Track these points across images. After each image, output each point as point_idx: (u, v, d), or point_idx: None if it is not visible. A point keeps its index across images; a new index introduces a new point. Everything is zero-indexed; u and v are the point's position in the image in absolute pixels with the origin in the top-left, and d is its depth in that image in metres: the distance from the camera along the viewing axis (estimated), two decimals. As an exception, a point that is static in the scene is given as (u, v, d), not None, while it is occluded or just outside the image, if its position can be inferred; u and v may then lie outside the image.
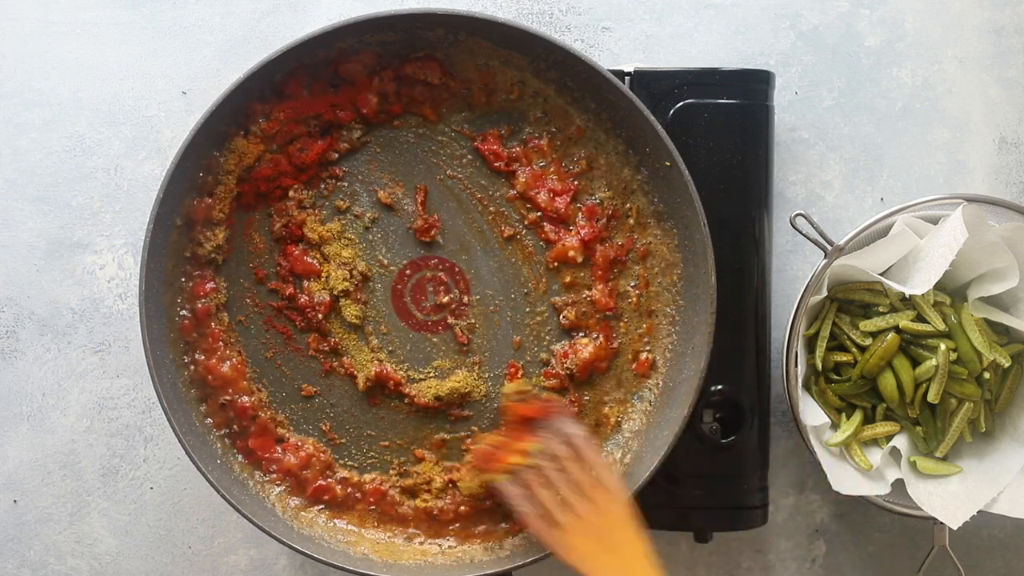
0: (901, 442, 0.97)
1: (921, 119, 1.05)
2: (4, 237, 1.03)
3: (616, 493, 0.88)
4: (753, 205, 0.97)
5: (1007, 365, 0.95)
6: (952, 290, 0.98)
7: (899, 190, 1.05)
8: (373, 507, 0.97)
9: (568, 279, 0.98)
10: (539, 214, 0.98)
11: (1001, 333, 0.98)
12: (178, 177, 0.91)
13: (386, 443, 0.98)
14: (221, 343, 0.95)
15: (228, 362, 0.95)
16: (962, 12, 1.05)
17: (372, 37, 0.94)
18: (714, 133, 0.96)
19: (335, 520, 0.96)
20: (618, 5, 1.04)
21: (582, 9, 1.04)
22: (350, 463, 0.97)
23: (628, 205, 0.98)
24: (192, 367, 0.94)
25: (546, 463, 0.89)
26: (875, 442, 0.98)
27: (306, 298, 0.96)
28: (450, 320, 0.98)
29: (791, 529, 1.05)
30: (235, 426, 0.96)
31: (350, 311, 0.96)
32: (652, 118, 0.91)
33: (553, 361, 0.98)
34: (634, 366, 0.98)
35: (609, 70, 0.92)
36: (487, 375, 0.98)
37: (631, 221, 0.98)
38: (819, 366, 0.97)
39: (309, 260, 0.96)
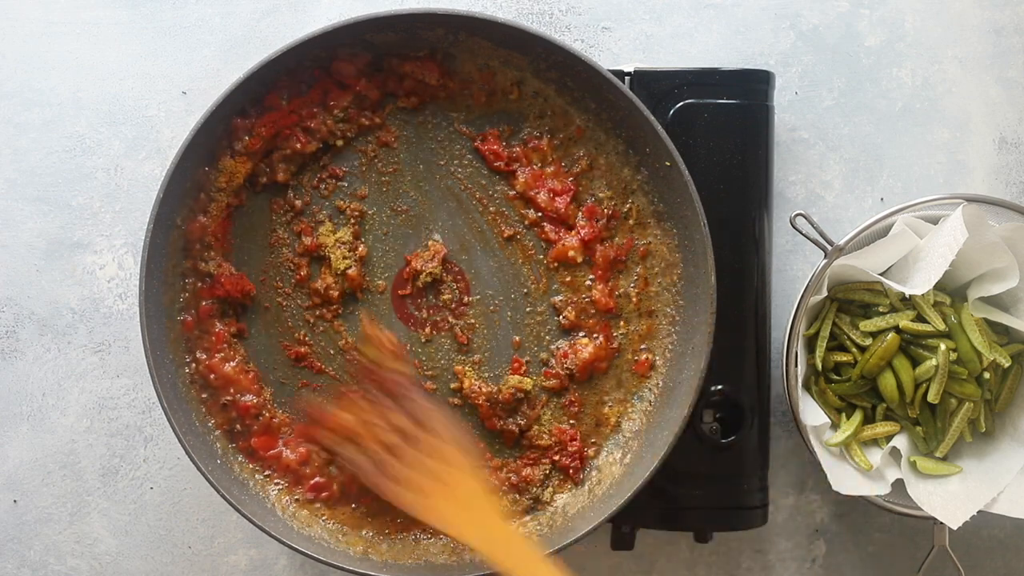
0: (901, 442, 0.97)
1: (921, 119, 1.05)
2: (4, 237, 1.03)
3: (466, 461, 0.88)
4: (753, 205, 0.97)
5: (1007, 365, 0.95)
6: (952, 290, 0.98)
7: (899, 190, 1.05)
8: (369, 506, 0.97)
9: (568, 279, 0.98)
10: (539, 214, 0.98)
11: (1001, 333, 0.98)
12: (178, 177, 0.91)
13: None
14: (225, 344, 0.95)
15: (230, 363, 0.95)
16: (962, 12, 1.05)
17: (375, 37, 0.94)
18: (714, 133, 0.96)
19: (335, 520, 0.96)
20: (618, 5, 1.04)
21: (582, 9, 1.04)
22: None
23: (628, 205, 0.98)
24: (193, 365, 0.94)
25: (393, 434, 0.89)
26: (875, 442, 0.98)
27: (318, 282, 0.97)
28: (450, 320, 0.98)
29: (791, 529, 1.05)
30: (237, 426, 0.96)
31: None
32: (652, 118, 0.91)
33: (553, 361, 0.98)
34: (634, 366, 0.98)
35: (609, 70, 0.92)
36: (487, 375, 0.98)
37: (631, 221, 0.98)
38: (819, 366, 0.97)
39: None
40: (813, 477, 1.05)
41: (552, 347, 0.98)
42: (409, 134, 0.98)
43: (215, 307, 0.95)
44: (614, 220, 0.98)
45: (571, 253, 0.97)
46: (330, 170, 0.97)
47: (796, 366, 0.95)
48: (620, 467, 0.97)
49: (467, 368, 0.97)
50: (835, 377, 0.98)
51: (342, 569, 0.92)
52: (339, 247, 0.96)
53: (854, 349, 0.96)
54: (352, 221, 0.97)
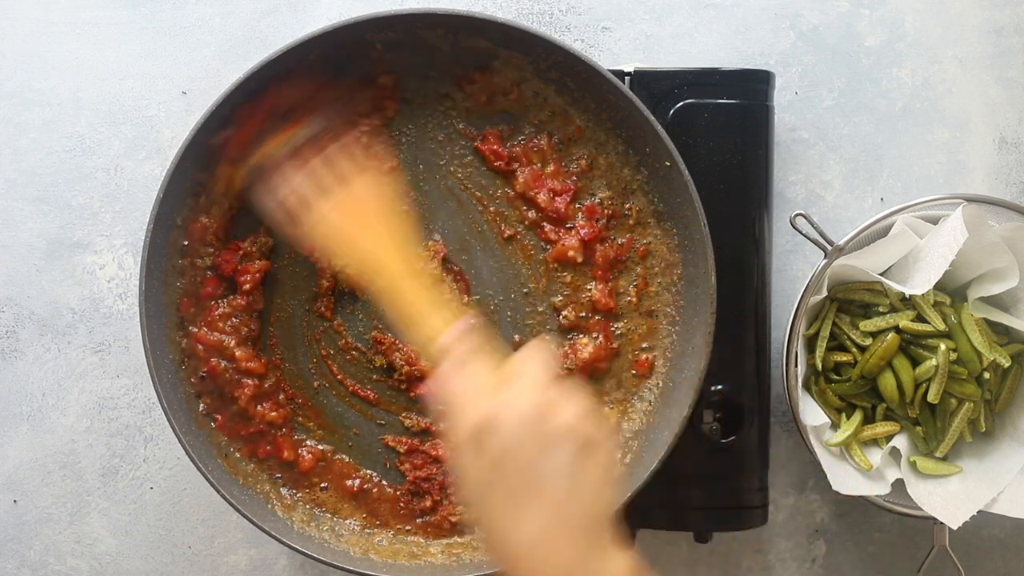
0: (901, 442, 0.97)
1: (921, 119, 1.05)
2: (4, 237, 1.03)
3: (369, 184, 0.88)
4: (753, 205, 0.97)
5: (1007, 365, 0.95)
6: (952, 290, 0.98)
7: (899, 190, 1.05)
8: (365, 500, 0.97)
9: (568, 279, 0.98)
10: (539, 214, 0.98)
11: (1001, 333, 0.98)
12: (178, 177, 0.91)
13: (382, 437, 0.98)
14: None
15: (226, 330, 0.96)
16: (962, 12, 1.05)
17: (376, 36, 0.94)
18: (714, 133, 0.96)
19: (335, 520, 0.96)
20: (618, 5, 1.04)
21: (582, 9, 1.04)
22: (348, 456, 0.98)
23: (628, 205, 0.98)
24: (187, 343, 0.95)
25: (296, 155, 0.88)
26: (875, 442, 0.98)
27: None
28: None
29: (791, 529, 1.05)
30: (240, 429, 0.96)
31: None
32: (652, 118, 0.91)
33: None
34: (634, 366, 0.98)
35: (609, 70, 0.92)
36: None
37: (631, 221, 0.98)
38: (819, 366, 0.97)
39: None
40: (813, 477, 1.05)
41: (552, 347, 0.98)
42: (409, 134, 0.98)
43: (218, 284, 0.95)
44: (614, 220, 0.98)
45: (571, 253, 0.97)
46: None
47: (796, 366, 0.95)
48: (620, 467, 0.97)
49: None
50: (835, 377, 0.98)
51: (342, 569, 0.92)
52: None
53: (854, 349, 0.96)
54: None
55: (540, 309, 0.98)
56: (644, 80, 0.97)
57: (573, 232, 0.97)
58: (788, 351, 0.95)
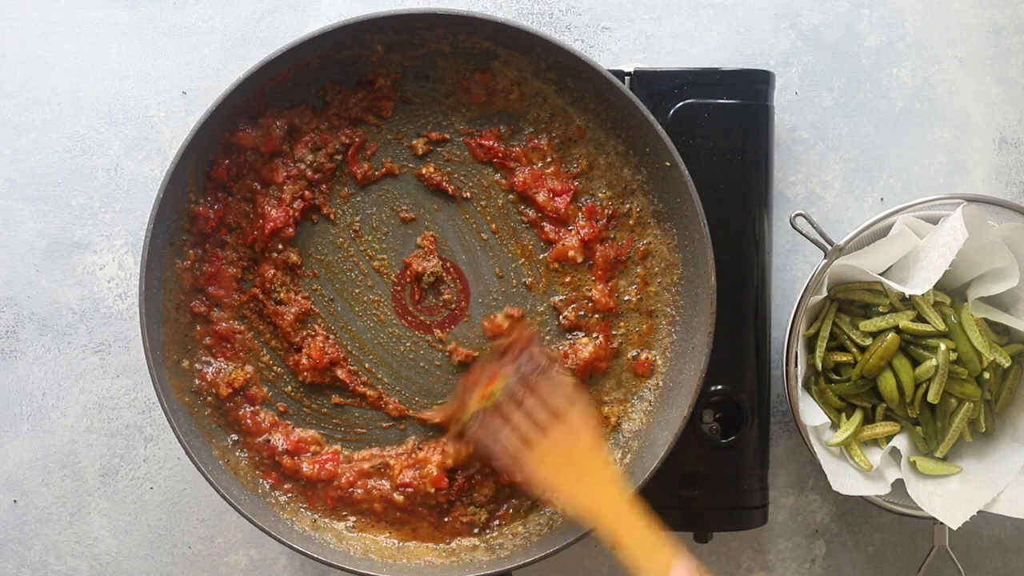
0: (901, 442, 0.97)
1: (921, 119, 1.05)
2: (4, 237, 1.03)
3: (582, 419, 0.89)
4: (753, 205, 0.97)
5: (1007, 365, 0.95)
6: (952, 290, 0.98)
7: (899, 190, 1.05)
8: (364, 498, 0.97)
9: (568, 279, 0.98)
10: (539, 214, 0.98)
11: (1001, 333, 0.98)
12: (178, 177, 0.91)
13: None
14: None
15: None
16: (962, 12, 1.05)
17: (376, 36, 0.94)
18: (714, 133, 0.96)
19: (335, 520, 0.96)
20: (618, 5, 1.04)
21: (582, 9, 1.04)
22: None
23: (628, 205, 0.98)
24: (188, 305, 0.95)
25: (510, 398, 0.89)
26: (875, 442, 0.98)
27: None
28: (449, 320, 0.98)
29: (791, 529, 1.05)
30: (238, 428, 0.96)
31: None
32: (652, 118, 0.91)
33: (553, 361, 0.98)
34: (634, 366, 0.98)
35: (609, 70, 0.92)
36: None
37: (631, 221, 0.98)
38: (819, 366, 0.97)
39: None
40: (813, 477, 1.05)
41: (552, 347, 0.98)
42: (409, 134, 0.98)
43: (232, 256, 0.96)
44: (614, 220, 0.98)
45: (571, 253, 0.97)
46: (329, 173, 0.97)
47: (796, 366, 0.95)
48: (620, 467, 0.97)
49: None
50: (835, 377, 0.98)
51: (342, 569, 0.92)
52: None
53: (854, 349, 0.96)
54: (356, 223, 0.97)
55: (540, 309, 0.98)
56: (644, 80, 0.97)
57: (573, 232, 0.97)
58: (788, 351, 0.95)
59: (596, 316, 0.98)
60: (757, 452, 0.98)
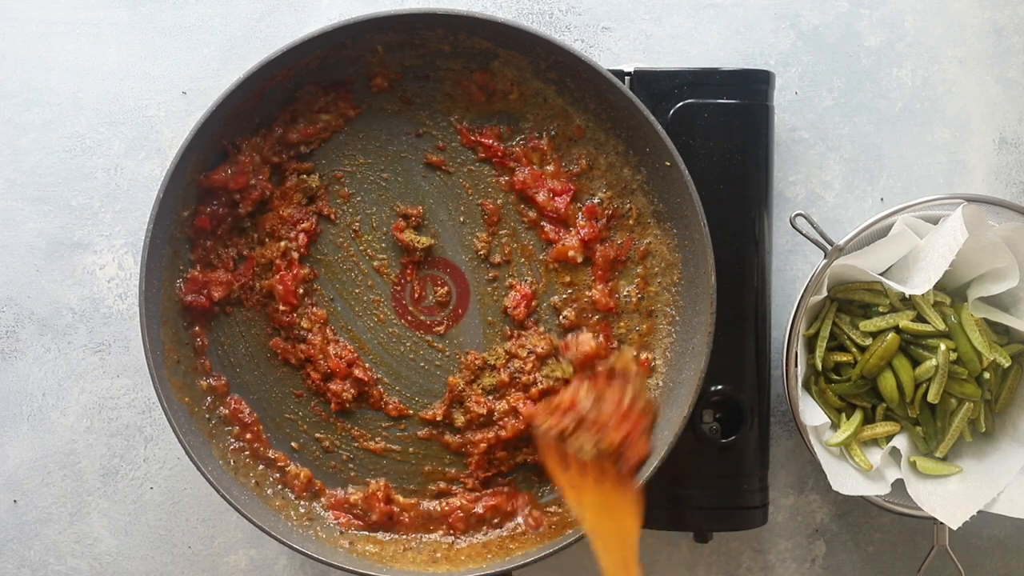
0: (901, 442, 0.97)
1: (921, 119, 1.05)
2: (4, 237, 1.03)
3: (641, 456, 0.87)
4: (753, 205, 0.97)
5: (1007, 365, 0.95)
6: (952, 290, 0.98)
7: (899, 190, 1.05)
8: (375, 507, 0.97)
9: (568, 279, 0.98)
10: (539, 214, 0.98)
11: (1001, 333, 0.98)
12: (178, 177, 0.91)
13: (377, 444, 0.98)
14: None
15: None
16: (962, 12, 1.05)
17: (376, 36, 0.94)
18: (714, 133, 0.96)
19: (335, 520, 0.96)
20: (618, 5, 1.04)
21: (582, 9, 1.04)
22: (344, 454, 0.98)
23: (628, 205, 0.98)
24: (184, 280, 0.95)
25: (589, 414, 0.87)
26: (875, 442, 0.98)
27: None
28: (449, 320, 0.98)
29: (791, 529, 1.05)
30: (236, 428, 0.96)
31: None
32: (652, 118, 0.91)
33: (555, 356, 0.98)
34: (634, 366, 0.98)
35: (609, 70, 0.92)
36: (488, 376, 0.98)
37: (631, 221, 0.98)
38: (819, 366, 0.97)
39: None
40: (813, 477, 1.05)
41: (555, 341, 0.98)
42: (411, 134, 0.98)
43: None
44: (614, 220, 0.98)
45: (571, 253, 0.97)
46: (332, 176, 0.97)
47: (796, 366, 0.95)
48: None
49: (464, 376, 0.97)
50: (835, 377, 0.98)
51: (342, 569, 0.92)
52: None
53: (854, 349, 0.96)
54: (351, 222, 0.97)
55: (541, 309, 0.98)
56: (644, 80, 0.97)
57: (573, 232, 0.97)
58: (788, 351, 0.95)
59: (596, 316, 0.98)
60: (757, 452, 0.98)
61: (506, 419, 0.96)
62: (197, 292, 0.95)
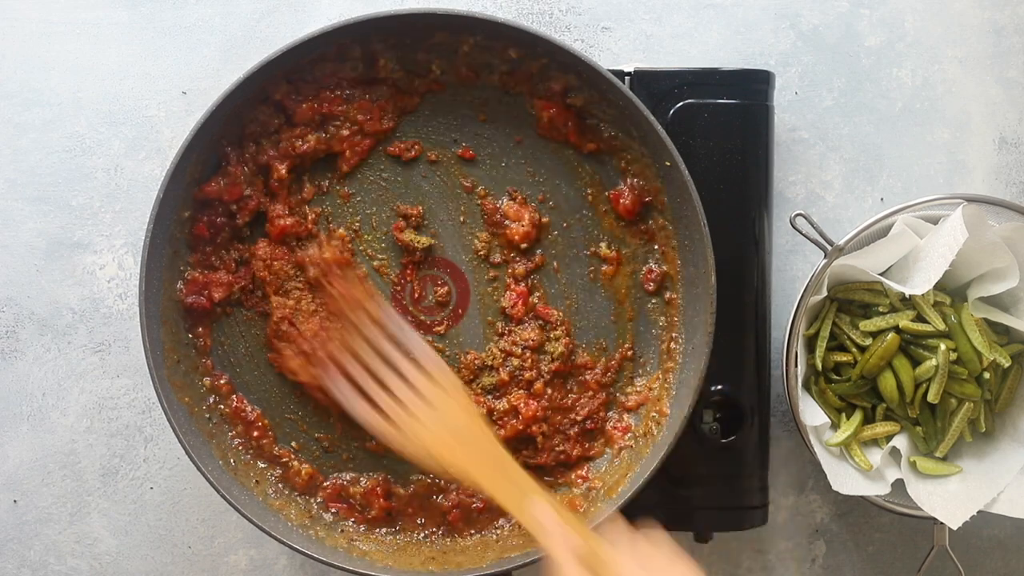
0: (901, 442, 0.97)
1: (921, 119, 1.05)
2: (4, 237, 1.03)
3: (452, 386, 0.89)
4: (753, 205, 0.97)
5: (1007, 365, 0.95)
6: (952, 290, 0.98)
7: (899, 190, 1.05)
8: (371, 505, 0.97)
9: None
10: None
11: (1001, 333, 0.98)
12: (178, 177, 0.91)
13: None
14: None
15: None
16: (962, 12, 1.05)
17: (377, 36, 0.94)
18: (714, 133, 0.96)
19: (335, 520, 0.97)
20: (618, 5, 1.04)
21: (582, 9, 1.04)
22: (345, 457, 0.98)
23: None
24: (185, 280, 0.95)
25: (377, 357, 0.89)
26: (875, 442, 0.98)
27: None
28: (449, 320, 0.98)
29: (791, 529, 1.05)
30: (239, 427, 0.96)
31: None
32: (652, 118, 0.91)
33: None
34: (634, 366, 0.98)
35: (609, 70, 0.92)
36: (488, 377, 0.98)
37: (631, 221, 0.98)
38: (819, 366, 0.97)
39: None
40: (813, 477, 1.05)
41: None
42: (413, 135, 0.98)
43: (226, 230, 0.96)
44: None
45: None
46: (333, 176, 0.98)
47: (796, 366, 0.95)
48: (619, 464, 0.97)
49: (463, 376, 0.98)
50: (835, 377, 0.98)
51: (342, 569, 0.92)
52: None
53: (854, 349, 0.96)
54: (350, 223, 0.97)
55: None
56: (644, 80, 0.97)
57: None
58: (788, 351, 0.95)
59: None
60: (757, 452, 0.98)
61: (506, 419, 0.96)
62: (198, 293, 0.95)
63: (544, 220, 0.97)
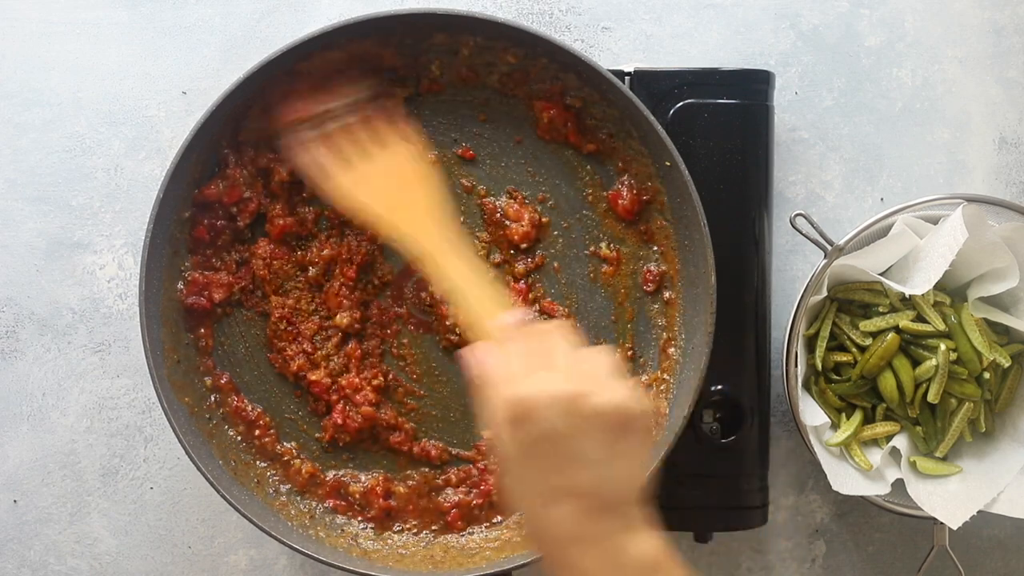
0: (901, 442, 0.97)
1: (921, 119, 1.05)
2: (4, 237, 1.03)
3: (411, 152, 0.88)
4: (753, 205, 0.97)
5: (1007, 365, 0.95)
6: (952, 290, 0.98)
7: (899, 190, 1.05)
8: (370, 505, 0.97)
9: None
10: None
11: (1001, 333, 0.98)
12: (178, 177, 0.91)
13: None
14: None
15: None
16: (962, 12, 1.05)
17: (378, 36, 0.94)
18: (714, 133, 0.96)
19: (336, 520, 0.97)
20: (618, 5, 1.04)
21: (582, 9, 1.04)
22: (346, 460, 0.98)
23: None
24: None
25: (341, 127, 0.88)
26: (875, 442, 0.98)
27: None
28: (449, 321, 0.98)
29: (791, 529, 1.05)
30: (241, 427, 0.96)
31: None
32: (652, 118, 0.91)
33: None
34: (634, 366, 0.98)
35: (609, 70, 0.92)
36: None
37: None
38: (819, 366, 0.97)
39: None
40: (813, 477, 1.05)
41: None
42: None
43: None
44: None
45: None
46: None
47: (796, 366, 0.95)
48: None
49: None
50: (835, 377, 0.98)
51: (342, 569, 0.92)
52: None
53: (854, 349, 0.96)
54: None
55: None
56: (644, 80, 0.97)
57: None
58: (788, 351, 0.95)
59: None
60: (757, 452, 0.98)
61: None
62: (198, 294, 0.95)
63: (544, 220, 0.97)
